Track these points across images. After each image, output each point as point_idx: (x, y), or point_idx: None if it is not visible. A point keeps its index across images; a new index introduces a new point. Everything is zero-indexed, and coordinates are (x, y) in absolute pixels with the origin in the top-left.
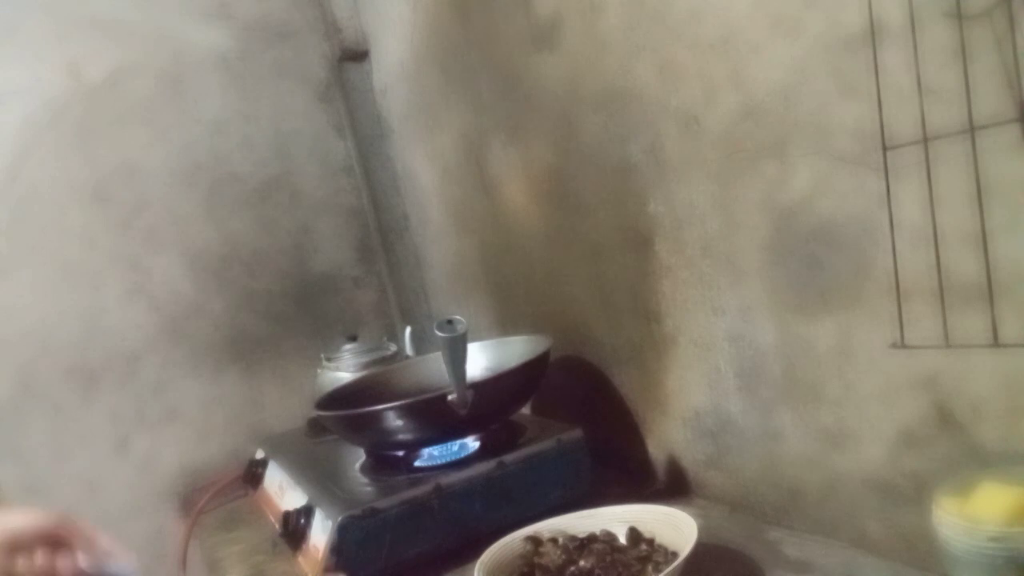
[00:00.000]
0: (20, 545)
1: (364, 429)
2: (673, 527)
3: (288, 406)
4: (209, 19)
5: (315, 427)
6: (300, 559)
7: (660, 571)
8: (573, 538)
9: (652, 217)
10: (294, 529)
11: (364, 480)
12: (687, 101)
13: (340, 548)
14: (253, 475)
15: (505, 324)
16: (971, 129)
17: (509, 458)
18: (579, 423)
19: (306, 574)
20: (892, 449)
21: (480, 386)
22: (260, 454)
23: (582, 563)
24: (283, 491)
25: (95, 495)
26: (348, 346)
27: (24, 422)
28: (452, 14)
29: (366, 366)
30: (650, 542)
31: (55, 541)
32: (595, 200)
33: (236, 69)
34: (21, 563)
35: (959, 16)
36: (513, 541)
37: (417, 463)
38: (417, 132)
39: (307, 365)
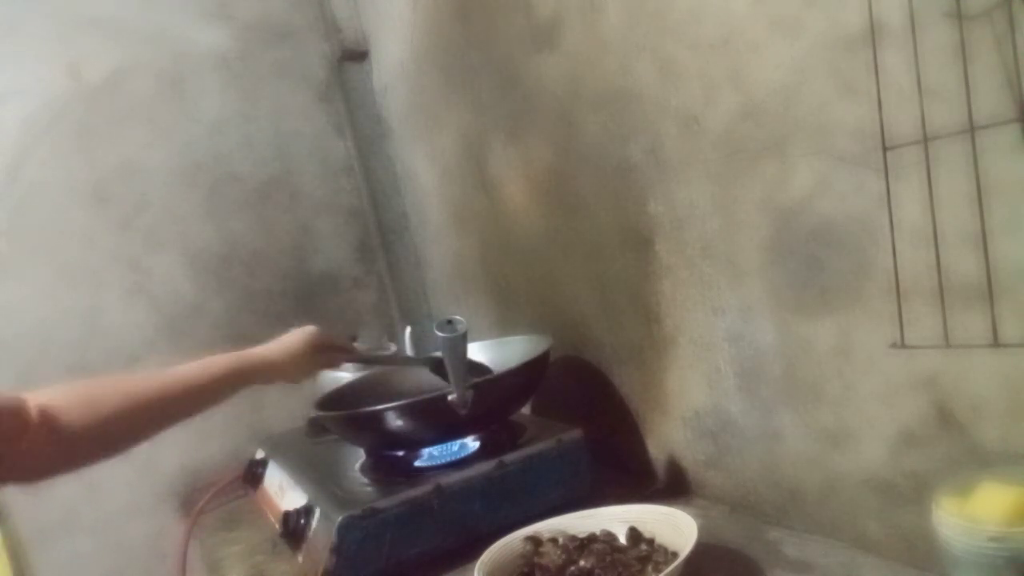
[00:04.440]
0: (320, 346)
1: (364, 429)
2: (673, 527)
3: (288, 406)
4: (209, 19)
5: (315, 427)
6: (300, 559)
7: (660, 571)
8: (573, 538)
9: (652, 217)
10: (294, 529)
11: (364, 480)
12: (687, 101)
13: (340, 548)
14: (253, 475)
15: (505, 324)
16: (971, 129)
17: (509, 458)
18: (579, 423)
19: (306, 574)
20: (892, 449)
21: (480, 386)
22: (260, 454)
23: (582, 563)
24: (283, 491)
25: (95, 495)
26: None
27: None
28: (452, 14)
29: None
30: (650, 542)
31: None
32: (595, 200)
33: (236, 69)
34: (317, 358)
35: (959, 16)
36: (513, 541)
37: (417, 463)
38: (417, 132)
39: None
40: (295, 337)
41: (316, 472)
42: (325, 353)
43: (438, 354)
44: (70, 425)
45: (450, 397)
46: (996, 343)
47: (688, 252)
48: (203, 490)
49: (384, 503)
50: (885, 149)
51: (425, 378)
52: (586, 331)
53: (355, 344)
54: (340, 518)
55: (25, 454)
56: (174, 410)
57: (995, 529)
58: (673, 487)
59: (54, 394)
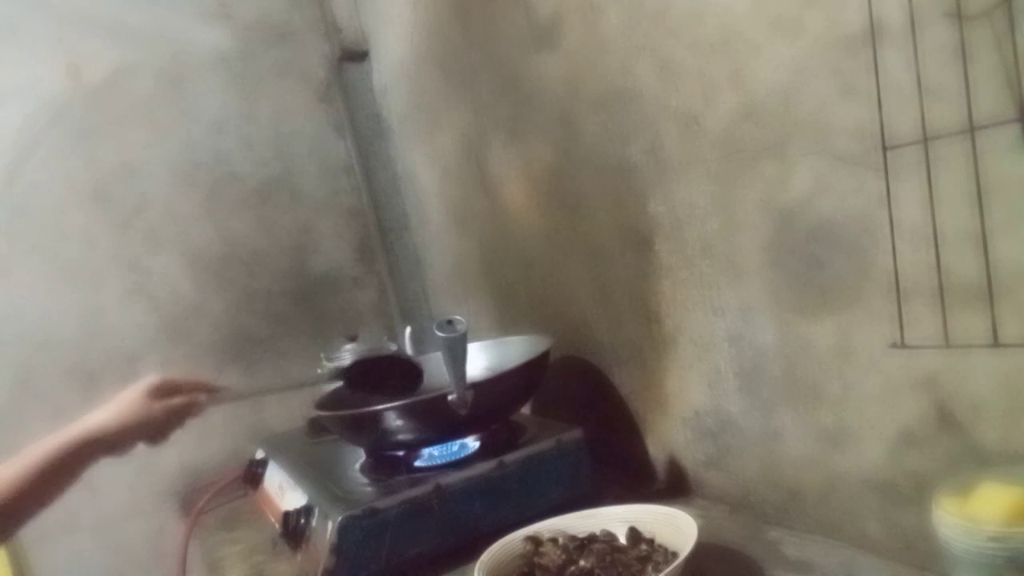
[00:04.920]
0: (158, 391)
1: (364, 429)
2: (673, 527)
3: (288, 406)
4: (209, 19)
5: (315, 427)
6: (300, 559)
7: (660, 571)
8: (573, 538)
9: (652, 217)
10: (294, 529)
11: (364, 480)
12: (687, 101)
13: (340, 548)
14: (253, 475)
15: (505, 324)
16: (971, 129)
17: (509, 458)
18: (579, 423)
19: (306, 574)
20: (892, 449)
21: (480, 386)
22: (260, 454)
23: (582, 563)
24: (283, 491)
25: (95, 495)
26: (348, 346)
27: (24, 422)
28: (452, 14)
29: None
30: (650, 542)
31: (173, 388)
32: (595, 200)
33: (236, 69)
34: (159, 404)
35: (959, 16)
36: (513, 541)
37: (417, 463)
38: (417, 132)
39: (307, 365)
40: (126, 394)
41: (316, 472)
42: (170, 399)
43: (335, 365)
44: None
45: (450, 397)
46: (996, 343)
47: (688, 252)
48: (203, 490)
49: (384, 503)
50: (885, 149)
51: (425, 378)
52: (586, 331)
53: (351, 346)
54: (340, 518)
55: None
56: (15, 512)
57: (995, 529)
58: (673, 487)
59: None
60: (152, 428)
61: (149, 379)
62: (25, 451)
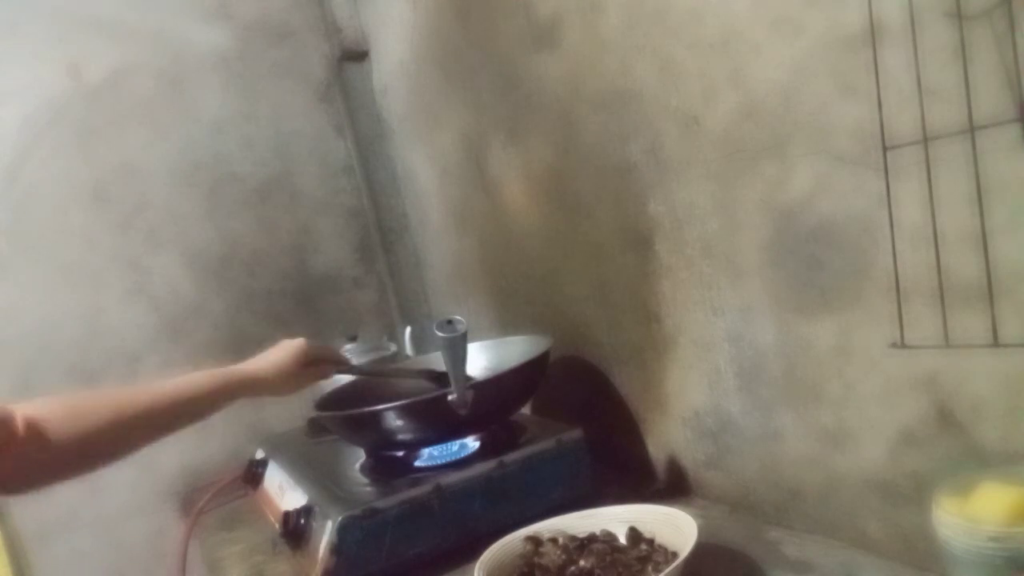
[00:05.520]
0: (307, 358)
1: (364, 429)
2: (673, 527)
3: (288, 406)
4: (209, 19)
5: (315, 427)
6: (300, 559)
7: (660, 571)
8: (573, 538)
9: (652, 217)
10: (294, 529)
11: (364, 480)
12: (687, 101)
13: (340, 548)
14: (253, 475)
15: (505, 324)
16: (971, 129)
17: (509, 458)
18: (579, 423)
19: (306, 574)
20: (892, 449)
21: (480, 386)
22: (260, 454)
23: (582, 563)
24: (283, 491)
25: (96, 495)
26: (348, 346)
27: None
28: (452, 14)
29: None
30: (650, 542)
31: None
32: (595, 200)
33: (236, 69)
34: (305, 371)
35: (959, 16)
36: (513, 541)
37: (417, 463)
38: (417, 132)
39: None
40: (283, 351)
41: (316, 472)
42: (314, 366)
43: (434, 368)
44: (56, 437)
45: (450, 397)
46: (996, 343)
47: (688, 252)
48: (203, 490)
49: (384, 503)
50: (885, 149)
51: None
52: (586, 331)
53: (351, 346)
54: (340, 518)
55: (10, 466)
56: (159, 425)
57: (995, 529)
58: (673, 487)
59: (41, 406)
60: (293, 387)
61: (300, 346)
62: (183, 377)
